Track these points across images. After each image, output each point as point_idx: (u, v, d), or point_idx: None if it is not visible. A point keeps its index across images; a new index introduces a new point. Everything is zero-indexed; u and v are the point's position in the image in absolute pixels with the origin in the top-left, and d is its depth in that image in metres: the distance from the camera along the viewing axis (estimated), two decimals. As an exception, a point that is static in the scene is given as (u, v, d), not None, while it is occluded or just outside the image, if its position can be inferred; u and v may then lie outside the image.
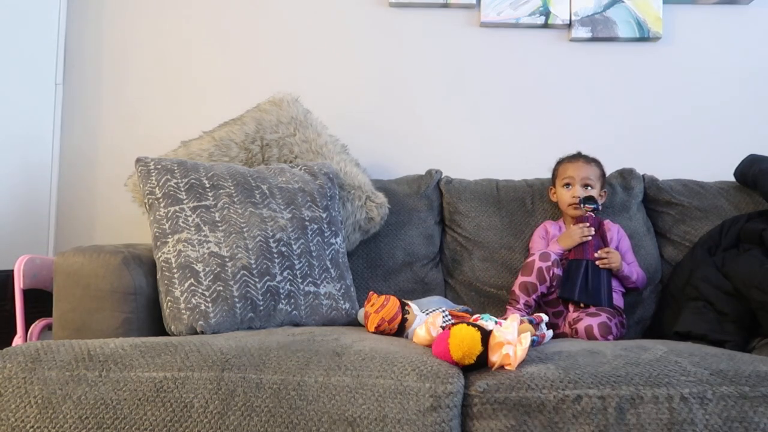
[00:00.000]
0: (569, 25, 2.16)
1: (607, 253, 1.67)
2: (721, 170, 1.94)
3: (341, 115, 2.09)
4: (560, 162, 1.85)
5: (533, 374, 1.00)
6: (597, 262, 1.66)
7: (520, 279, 1.67)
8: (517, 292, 1.66)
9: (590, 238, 1.69)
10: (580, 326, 1.53)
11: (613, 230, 1.78)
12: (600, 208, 1.76)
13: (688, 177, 1.96)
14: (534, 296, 1.65)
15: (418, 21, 2.19)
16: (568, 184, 1.79)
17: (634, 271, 1.73)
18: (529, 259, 1.68)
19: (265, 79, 2.15)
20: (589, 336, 1.51)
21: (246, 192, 1.53)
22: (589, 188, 1.77)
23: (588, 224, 1.70)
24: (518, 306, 1.64)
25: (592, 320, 1.53)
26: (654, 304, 1.78)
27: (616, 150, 2.11)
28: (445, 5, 2.17)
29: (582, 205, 1.73)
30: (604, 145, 2.00)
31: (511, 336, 1.04)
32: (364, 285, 1.74)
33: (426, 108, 2.18)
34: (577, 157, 1.83)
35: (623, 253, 1.74)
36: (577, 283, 1.64)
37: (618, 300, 1.69)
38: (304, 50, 2.19)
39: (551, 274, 1.65)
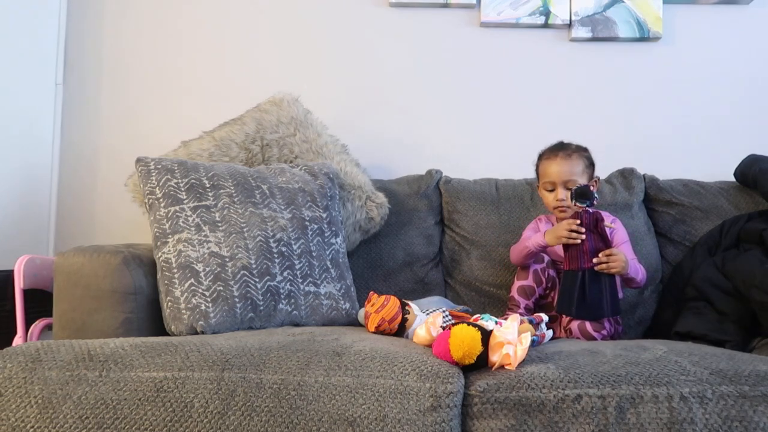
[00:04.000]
0: (569, 25, 2.16)
1: (609, 256, 1.46)
2: (721, 170, 1.95)
3: (341, 115, 2.09)
4: (540, 157, 1.71)
5: (533, 374, 1.00)
6: (596, 268, 1.46)
7: (517, 283, 1.66)
8: (516, 297, 1.65)
9: (578, 240, 1.47)
10: (574, 325, 1.54)
11: (606, 222, 1.56)
12: (596, 202, 1.47)
13: (688, 177, 1.96)
14: (533, 299, 1.64)
15: (418, 21, 2.19)
16: (550, 189, 1.64)
17: (638, 269, 1.57)
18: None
19: (265, 79, 2.15)
20: (583, 332, 1.52)
21: (246, 192, 1.53)
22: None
23: (578, 222, 1.47)
24: (520, 311, 1.62)
25: (585, 320, 1.53)
26: (654, 304, 1.78)
27: (616, 150, 2.11)
28: (445, 5, 2.17)
29: (573, 202, 1.48)
30: (605, 145, 2.00)
31: (512, 336, 1.04)
32: (365, 285, 1.74)
33: (426, 108, 2.18)
34: (556, 151, 1.66)
35: (618, 247, 1.57)
36: (573, 299, 1.46)
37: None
38: (304, 50, 2.19)
39: (546, 276, 1.64)
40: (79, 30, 2.18)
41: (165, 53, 2.19)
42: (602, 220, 1.50)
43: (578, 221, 1.48)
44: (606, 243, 1.49)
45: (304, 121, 1.83)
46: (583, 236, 1.47)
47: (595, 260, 1.46)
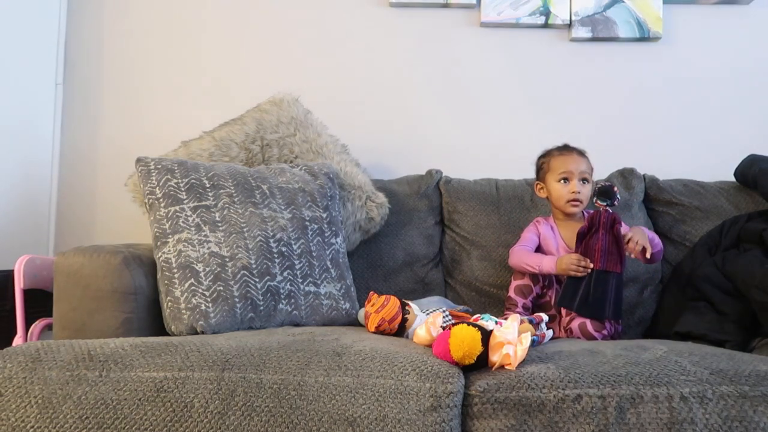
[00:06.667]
0: (569, 25, 2.16)
1: (631, 240, 1.51)
2: (721, 170, 1.94)
3: (341, 115, 2.09)
4: (548, 155, 1.73)
5: (533, 374, 1.00)
6: (632, 255, 1.51)
7: (515, 283, 1.67)
8: (514, 296, 1.66)
9: (583, 274, 1.51)
10: (574, 325, 1.53)
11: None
12: (617, 203, 1.52)
13: (688, 177, 1.96)
14: (530, 298, 1.65)
15: (418, 21, 2.19)
16: (565, 179, 1.66)
17: (654, 235, 1.61)
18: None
19: (265, 79, 2.15)
20: (584, 332, 1.52)
21: (246, 192, 1.53)
22: (585, 182, 1.67)
23: (587, 261, 1.51)
24: (518, 310, 1.64)
25: (584, 317, 1.53)
26: (654, 304, 1.78)
27: (616, 150, 2.11)
28: (445, 5, 2.17)
29: (595, 199, 1.54)
30: (605, 145, 2.00)
31: (512, 336, 1.04)
32: (365, 285, 1.74)
33: (426, 108, 2.18)
34: (570, 149, 1.71)
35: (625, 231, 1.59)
36: (577, 295, 1.51)
37: None
38: (304, 50, 2.19)
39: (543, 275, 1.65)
40: (79, 30, 2.18)
41: (165, 53, 2.19)
42: (619, 222, 1.53)
43: (589, 261, 1.52)
44: (619, 246, 1.52)
45: (304, 121, 1.83)
46: (588, 270, 1.51)
47: (627, 243, 1.51)
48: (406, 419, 0.94)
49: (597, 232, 1.52)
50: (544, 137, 1.80)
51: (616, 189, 1.53)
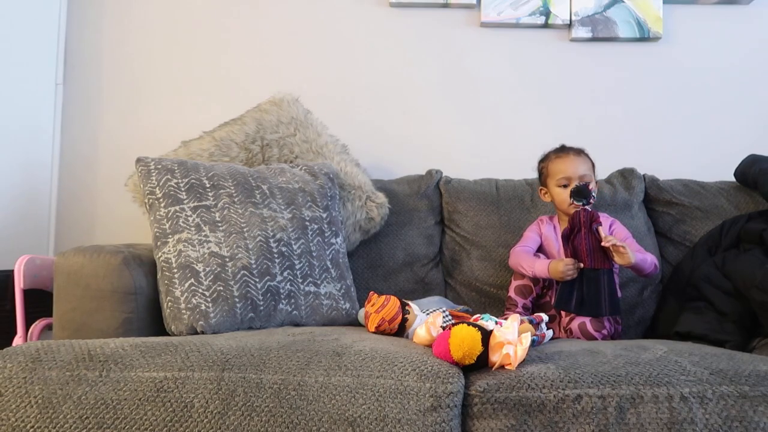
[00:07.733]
0: (569, 25, 2.16)
1: (605, 239, 1.50)
2: (721, 170, 1.94)
3: (341, 115, 2.09)
4: (547, 159, 1.73)
5: (533, 374, 1.00)
6: (611, 246, 1.50)
7: (515, 283, 1.68)
8: (514, 296, 1.67)
9: (574, 276, 1.54)
10: (574, 325, 1.54)
11: (605, 224, 1.62)
12: (593, 201, 1.57)
13: (688, 177, 1.96)
14: (530, 298, 1.65)
15: (418, 21, 2.19)
16: (565, 185, 1.66)
17: (646, 257, 1.60)
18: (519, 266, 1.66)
19: (265, 79, 2.15)
20: (583, 332, 1.52)
21: (246, 192, 1.53)
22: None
23: (578, 264, 1.54)
24: (518, 310, 1.65)
25: (584, 317, 1.53)
26: (654, 304, 1.78)
27: (616, 150, 2.11)
28: (445, 5, 2.17)
29: (571, 200, 1.58)
30: (605, 145, 2.00)
31: (512, 336, 1.04)
32: (365, 285, 1.74)
33: (426, 108, 2.18)
34: (566, 151, 1.70)
35: (623, 241, 1.59)
36: (572, 296, 1.53)
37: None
38: (304, 50, 2.19)
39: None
40: (79, 30, 2.18)
41: (165, 53, 2.19)
42: (596, 220, 1.55)
43: (579, 262, 1.55)
44: (599, 242, 1.54)
45: (304, 121, 1.83)
46: (576, 274, 1.54)
47: (606, 243, 1.50)
48: (406, 419, 0.94)
49: (579, 232, 1.55)
50: (544, 137, 1.81)
51: (591, 187, 1.57)
